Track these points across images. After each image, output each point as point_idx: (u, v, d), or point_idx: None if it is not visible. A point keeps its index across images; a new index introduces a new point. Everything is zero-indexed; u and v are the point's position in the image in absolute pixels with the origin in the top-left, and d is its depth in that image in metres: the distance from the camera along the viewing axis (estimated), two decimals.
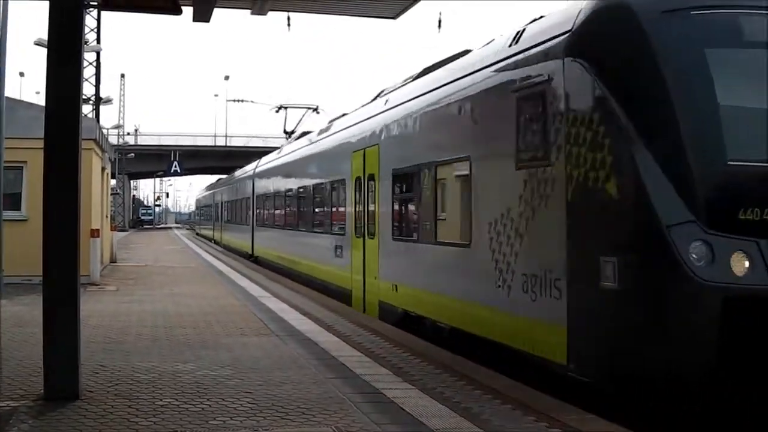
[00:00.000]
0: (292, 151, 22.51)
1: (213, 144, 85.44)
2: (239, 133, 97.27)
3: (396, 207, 12.50)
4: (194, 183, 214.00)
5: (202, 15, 9.33)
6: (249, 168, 33.01)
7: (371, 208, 13.53)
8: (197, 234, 64.67)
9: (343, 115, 18.31)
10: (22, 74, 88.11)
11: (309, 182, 19.36)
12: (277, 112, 27.97)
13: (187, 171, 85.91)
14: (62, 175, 7.01)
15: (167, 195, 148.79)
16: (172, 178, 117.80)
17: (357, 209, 14.40)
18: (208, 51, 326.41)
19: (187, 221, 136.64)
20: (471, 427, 6.11)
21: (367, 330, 11.03)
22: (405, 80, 13.76)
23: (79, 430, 5.94)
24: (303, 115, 28.04)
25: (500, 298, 8.47)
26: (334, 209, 16.77)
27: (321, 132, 19.15)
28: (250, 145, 78.27)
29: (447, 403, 6.85)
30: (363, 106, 16.10)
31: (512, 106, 8.28)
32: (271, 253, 25.20)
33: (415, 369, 8.34)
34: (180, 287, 17.38)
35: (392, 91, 13.94)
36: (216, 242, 46.20)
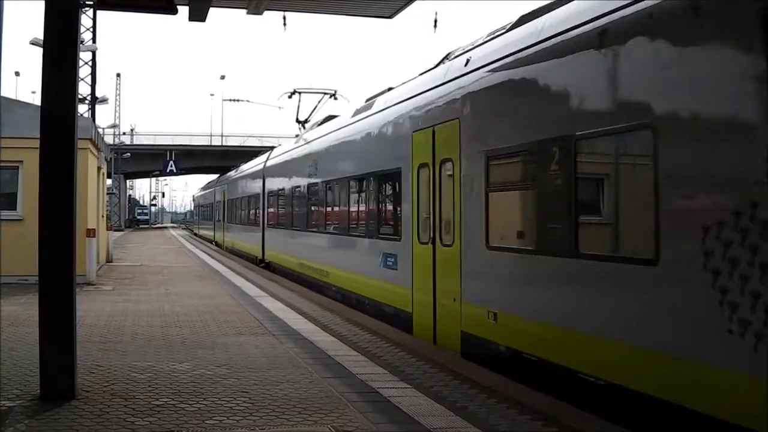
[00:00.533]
0: (316, 139, 18.68)
1: (209, 144, 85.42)
2: (235, 132, 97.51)
3: (493, 202, 8.92)
4: (190, 183, 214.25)
5: (198, 14, 9.34)
6: (258, 161, 29.28)
7: (446, 204, 10.07)
8: (195, 234, 63.20)
9: (389, 89, 14.40)
10: (17, 74, 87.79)
11: (343, 174, 15.66)
12: (290, 97, 24.90)
13: (183, 171, 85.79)
14: (58, 175, 7.01)
15: (163, 195, 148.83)
16: (168, 177, 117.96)
17: (421, 206, 10.97)
18: (204, 50, 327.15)
19: (184, 221, 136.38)
20: (466, 426, 6.12)
21: (364, 329, 11.04)
22: (492, 34, 10.11)
23: (76, 430, 5.94)
24: (319, 102, 24.73)
25: (733, 352, 5.30)
26: (381, 207, 13.34)
27: (358, 112, 15.31)
28: (246, 144, 78.32)
29: (443, 402, 6.87)
30: (423, 73, 12.33)
31: (756, 28, 5.16)
32: (288, 260, 21.37)
33: (411, 368, 8.35)
34: (176, 287, 17.37)
35: (472, 49, 10.22)
36: (217, 244, 42.14)
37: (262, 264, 25.26)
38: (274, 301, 14.49)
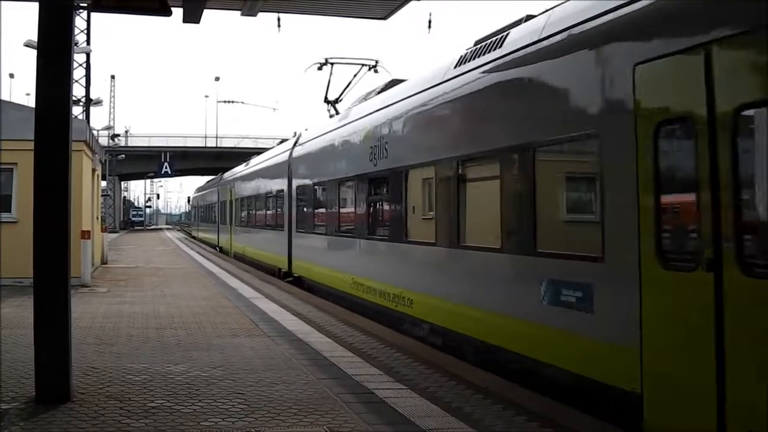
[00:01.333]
0: (379, 110, 13.57)
1: (204, 145, 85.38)
2: (230, 134, 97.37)
3: None
4: (185, 184, 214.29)
5: (192, 16, 9.32)
6: (280, 151, 23.97)
7: (764, 194, 5.45)
8: (193, 237, 60.70)
9: (528, 17, 9.32)
10: (12, 76, 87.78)
11: (445, 154, 10.35)
12: (320, 69, 20.83)
13: (177, 172, 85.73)
14: (52, 177, 7.00)
15: (158, 196, 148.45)
16: (162, 179, 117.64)
17: (675, 202, 6.23)
18: (199, 52, 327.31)
19: (179, 222, 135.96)
20: (462, 427, 6.13)
21: (359, 330, 11.04)
22: None
23: None
24: (354, 76, 20.29)
25: None
26: (540, 203, 8.04)
27: (464, 60, 10.21)
28: (241, 146, 78.29)
29: (438, 402, 6.87)
30: None
31: None
32: (333, 276, 15.80)
33: (407, 369, 8.36)
34: (171, 288, 17.34)
35: None
36: (222, 250, 36.78)
37: (289, 279, 20.05)
38: (270, 303, 14.49)
